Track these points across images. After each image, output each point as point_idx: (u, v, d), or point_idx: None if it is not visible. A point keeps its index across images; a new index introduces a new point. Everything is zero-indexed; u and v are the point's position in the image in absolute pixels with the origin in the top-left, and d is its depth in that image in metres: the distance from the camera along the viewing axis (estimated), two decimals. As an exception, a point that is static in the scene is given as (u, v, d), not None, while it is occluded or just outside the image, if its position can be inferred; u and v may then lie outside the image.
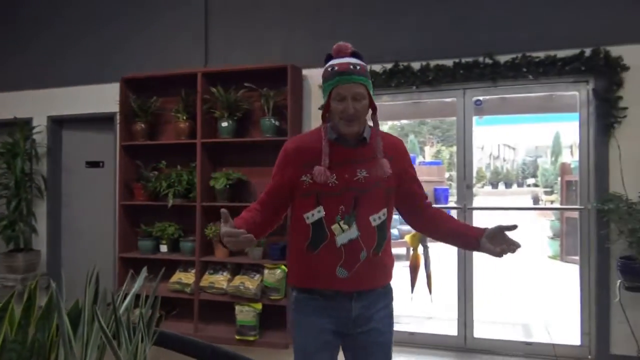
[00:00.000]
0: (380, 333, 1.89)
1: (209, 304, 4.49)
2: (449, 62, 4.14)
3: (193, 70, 4.59)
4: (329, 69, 1.83)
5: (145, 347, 1.70)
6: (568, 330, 4.12)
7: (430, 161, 14.80)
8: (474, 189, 4.40)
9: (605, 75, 3.77)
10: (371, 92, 1.83)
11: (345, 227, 1.80)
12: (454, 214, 4.04)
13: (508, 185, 25.62)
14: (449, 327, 4.37)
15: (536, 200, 17.44)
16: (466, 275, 4.22)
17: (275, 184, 1.90)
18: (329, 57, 1.87)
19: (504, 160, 33.58)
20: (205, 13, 4.90)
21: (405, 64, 4.24)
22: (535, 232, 11.47)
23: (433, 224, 1.94)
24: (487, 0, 4.11)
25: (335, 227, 1.81)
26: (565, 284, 5.70)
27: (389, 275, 1.95)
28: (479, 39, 4.08)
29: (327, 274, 1.82)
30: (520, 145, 33.53)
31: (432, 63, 4.18)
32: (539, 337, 4.39)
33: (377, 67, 4.27)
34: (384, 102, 4.44)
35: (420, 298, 4.22)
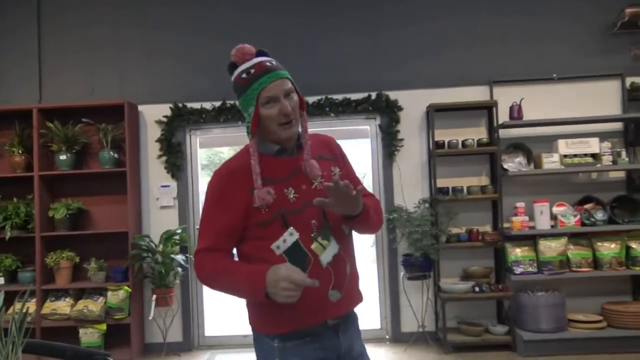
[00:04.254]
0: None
1: (51, 331, 4.64)
2: (268, 102, 4.90)
3: (28, 106, 4.76)
4: (244, 75, 1.61)
5: (17, 350, 2.09)
6: (371, 317, 5.09)
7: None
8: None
9: (387, 114, 4.84)
10: (296, 86, 1.64)
11: (324, 242, 1.59)
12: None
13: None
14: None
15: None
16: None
17: (226, 222, 1.59)
18: (234, 66, 1.66)
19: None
20: (39, 50, 5.09)
21: (232, 102, 4.92)
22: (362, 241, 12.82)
23: None
24: (297, 50, 4.95)
25: (315, 246, 1.58)
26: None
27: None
28: (295, 82, 4.91)
29: (319, 302, 1.57)
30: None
31: (255, 102, 4.91)
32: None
33: (207, 105, 4.90)
34: (215, 134, 5.10)
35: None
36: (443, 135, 4.73)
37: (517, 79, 4.77)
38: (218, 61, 4.95)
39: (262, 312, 1.63)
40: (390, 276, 4.83)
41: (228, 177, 1.62)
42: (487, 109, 4.79)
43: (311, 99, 4.86)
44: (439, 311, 4.63)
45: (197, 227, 4.96)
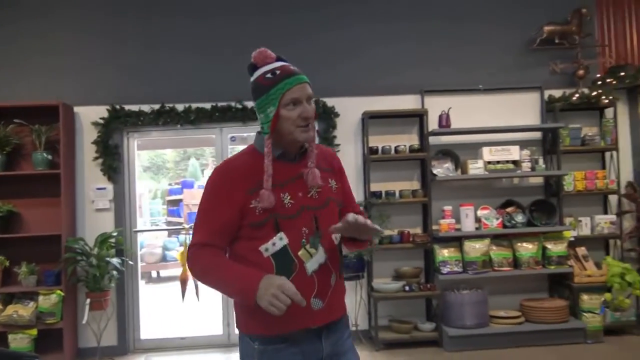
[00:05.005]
0: None
1: (-22, 336, 4.51)
2: (207, 105, 4.95)
3: (-45, 105, 4.61)
4: (269, 75, 1.64)
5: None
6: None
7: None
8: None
9: (324, 120, 5.00)
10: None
11: (312, 250, 1.62)
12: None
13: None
14: (215, 328, 5.14)
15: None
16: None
17: (221, 220, 1.62)
18: (254, 67, 1.71)
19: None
20: (-33, 48, 4.94)
21: (171, 105, 4.93)
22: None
23: None
24: (234, 56, 5.01)
25: (302, 253, 1.61)
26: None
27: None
28: (231, 87, 4.91)
29: (301, 309, 1.56)
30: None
31: (194, 105, 4.95)
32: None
33: (146, 108, 4.90)
34: (153, 137, 5.12)
35: (190, 305, 4.95)
36: (377, 141, 4.94)
37: (446, 89, 5.05)
38: (156, 63, 5.02)
39: (246, 313, 1.66)
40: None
41: (227, 176, 1.65)
42: (419, 117, 5.03)
43: (250, 103, 4.93)
44: (372, 310, 4.82)
45: (134, 230, 5.00)
